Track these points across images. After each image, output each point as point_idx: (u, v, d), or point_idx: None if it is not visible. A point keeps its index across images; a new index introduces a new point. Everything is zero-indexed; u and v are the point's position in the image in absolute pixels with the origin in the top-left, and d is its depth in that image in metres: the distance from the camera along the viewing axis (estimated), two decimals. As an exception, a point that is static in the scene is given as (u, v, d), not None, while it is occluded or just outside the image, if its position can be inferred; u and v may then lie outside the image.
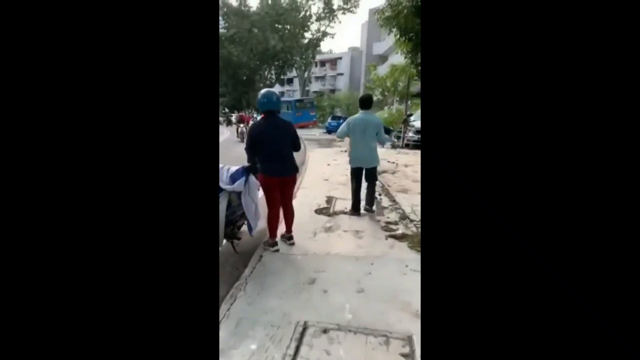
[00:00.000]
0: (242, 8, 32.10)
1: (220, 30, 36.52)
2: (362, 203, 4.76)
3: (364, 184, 4.74)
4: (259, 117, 20.81)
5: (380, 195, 5.65)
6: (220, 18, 35.21)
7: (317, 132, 22.49)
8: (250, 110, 34.71)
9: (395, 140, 14.06)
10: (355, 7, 29.99)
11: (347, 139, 5.13)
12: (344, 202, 5.06)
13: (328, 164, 8.83)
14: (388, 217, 4.56)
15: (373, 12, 33.06)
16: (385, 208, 4.99)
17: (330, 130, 21.68)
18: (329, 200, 5.36)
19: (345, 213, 4.68)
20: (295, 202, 4.13)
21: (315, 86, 43.90)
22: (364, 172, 4.67)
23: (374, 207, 4.81)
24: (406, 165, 8.62)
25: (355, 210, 4.72)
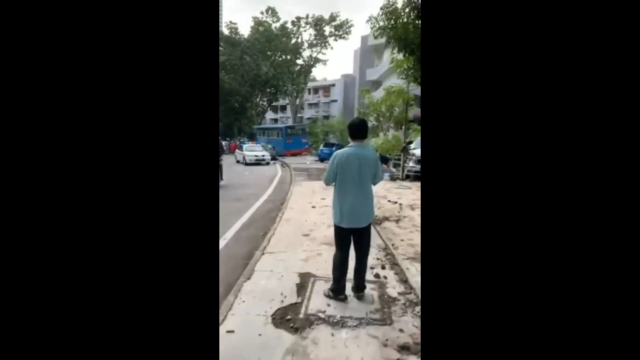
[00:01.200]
0: (234, 36, 31.27)
1: (211, 58, 35.67)
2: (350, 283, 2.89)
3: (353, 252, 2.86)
4: (245, 144, 19.07)
5: (383, 267, 3.65)
6: (211, 46, 34.38)
7: (309, 160, 20.69)
8: (241, 137, 33.17)
9: (394, 170, 12.22)
10: (347, 33, 29.28)
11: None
12: (326, 284, 3.04)
13: (313, 206, 6.85)
14: (399, 326, 2.46)
15: (365, 38, 32.49)
16: (394, 300, 2.87)
17: (322, 158, 19.89)
18: (303, 283, 3.22)
19: (324, 320, 2.56)
20: (243, 293, 2.92)
21: (308, 113, 42.85)
22: (352, 234, 2.77)
23: (366, 291, 2.92)
24: (412, 207, 6.66)
25: (337, 293, 2.82)
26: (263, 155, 18.09)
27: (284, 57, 31.04)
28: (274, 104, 41.76)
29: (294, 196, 8.09)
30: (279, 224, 5.45)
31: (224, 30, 31.74)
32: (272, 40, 29.61)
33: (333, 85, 43.04)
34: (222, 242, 4.66)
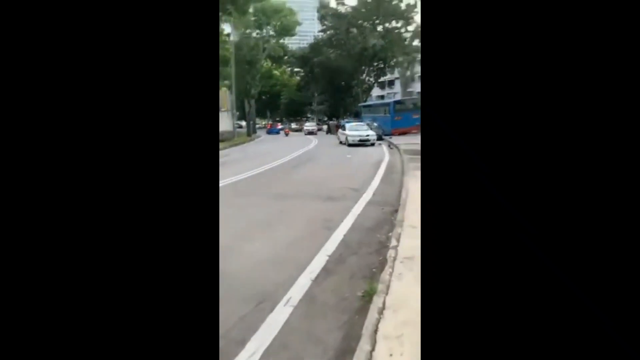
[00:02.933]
0: (339, 8, 28.64)
1: (318, 34, 34.12)
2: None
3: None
4: (349, 123, 16.66)
5: None
6: (317, 21, 32.70)
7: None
8: (347, 116, 31.04)
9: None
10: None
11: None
12: None
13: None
14: None
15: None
16: None
17: (439, 138, 16.03)
18: None
19: None
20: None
21: (419, 86, 37.64)
22: None
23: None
24: None
25: None
26: (367, 135, 15.40)
27: (394, 23, 26.95)
28: (381, 79, 38.08)
29: (412, 198, 5.23)
30: (394, 269, 2.79)
31: (332, 2, 29.43)
32: (381, 2, 25.81)
33: (450, 52, 36.55)
34: (284, 313, 2.28)
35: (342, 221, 4.25)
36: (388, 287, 2.52)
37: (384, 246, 3.42)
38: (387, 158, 10.72)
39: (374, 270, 2.93)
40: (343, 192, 5.93)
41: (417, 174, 7.39)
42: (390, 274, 2.71)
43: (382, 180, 7.09)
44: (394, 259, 3.00)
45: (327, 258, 3.18)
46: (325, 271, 2.93)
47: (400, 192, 5.76)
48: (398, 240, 3.41)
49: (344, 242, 3.57)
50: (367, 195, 5.67)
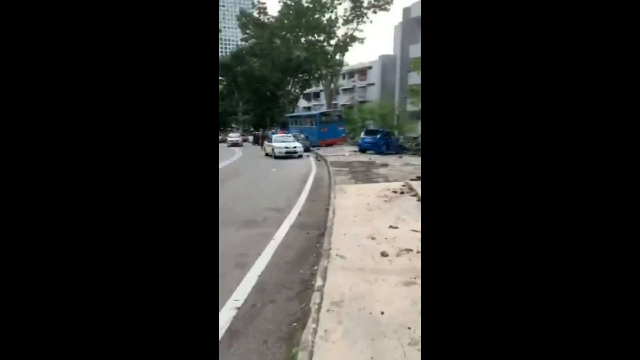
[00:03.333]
0: (261, 17, 28.11)
1: (240, 43, 33.00)
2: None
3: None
4: (274, 134, 16.01)
5: None
6: (239, 29, 31.61)
7: (347, 151, 17.25)
8: (274, 127, 30.36)
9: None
10: (388, 3, 24.94)
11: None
12: None
13: (373, 238, 3.53)
14: None
15: (408, 10, 27.89)
16: None
17: (364, 149, 16.37)
18: None
19: None
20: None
21: (343, 99, 38.97)
22: None
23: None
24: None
25: None
26: (295, 147, 14.94)
27: (316, 36, 27.41)
28: (307, 91, 38.51)
29: (340, 217, 4.78)
30: (319, 322, 2.18)
31: (252, 11, 28.70)
32: (303, 15, 25.99)
33: (370, 67, 38.67)
34: None
35: (259, 254, 3.54)
36: (311, 353, 1.91)
37: (307, 286, 2.82)
38: (314, 171, 10.33)
39: (294, 325, 2.29)
40: (265, 214, 5.22)
41: (345, 188, 7.08)
42: (314, 332, 2.10)
43: (309, 196, 6.58)
44: (319, 306, 2.41)
45: (234, 313, 2.44)
46: (231, 335, 2.19)
47: (327, 210, 5.28)
48: (324, 278, 2.84)
49: (259, 286, 2.86)
50: (291, 217, 5.06)
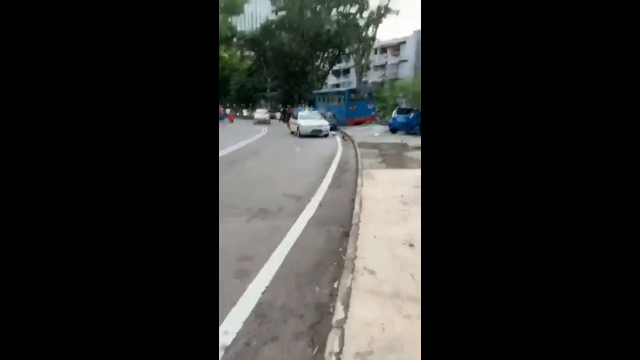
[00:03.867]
0: (292, -14, 26.50)
1: (270, 16, 31.66)
2: None
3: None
4: (301, 111, 15.19)
5: None
6: (270, 2, 30.20)
7: (376, 131, 16.10)
8: (302, 104, 29.40)
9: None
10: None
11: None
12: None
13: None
14: None
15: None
16: None
17: (395, 129, 15.15)
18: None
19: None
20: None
21: (374, 76, 36.95)
22: None
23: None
24: None
25: None
26: (320, 126, 14.02)
27: (349, 7, 25.56)
28: (336, 67, 36.82)
29: (369, 211, 3.97)
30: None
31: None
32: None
33: (404, 42, 36.18)
34: None
35: (267, 259, 2.83)
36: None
37: (323, 316, 2.08)
38: (340, 152, 9.47)
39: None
40: (281, 202, 4.51)
41: (373, 173, 6.20)
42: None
43: (333, 182, 5.78)
44: (339, 346, 1.66)
45: (220, 355, 1.75)
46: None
47: (353, 201, 4.48)
48: (346, 306, 2.09)
49: (259, 310, 2.15)
50: (311, 208, 4.31)
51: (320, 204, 4.47)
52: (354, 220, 3.65)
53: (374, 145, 10.60)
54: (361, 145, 10.77)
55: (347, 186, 5.49)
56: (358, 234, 3.28)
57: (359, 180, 5.57)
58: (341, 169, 7.05)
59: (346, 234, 3.36)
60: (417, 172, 6.26)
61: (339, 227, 3.61)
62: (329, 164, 7.48)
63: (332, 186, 5.48)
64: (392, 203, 4.28)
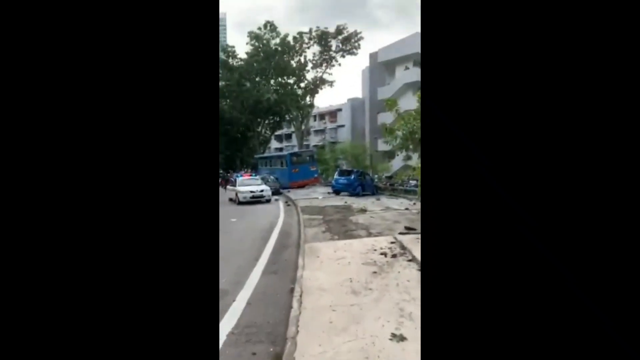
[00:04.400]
0: (230, 60, 27.47)
1: (209, 86, 31.93)
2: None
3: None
4: (239, 177, 14.14)
5: None
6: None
7: (320, 193, 15.70)
8: (244, 169, 28.58)
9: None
10: (355, 48, 25.20)
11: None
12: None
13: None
14: None
15: (374, 55, 28.39)
16: None
17: (338, 190, 14.90)
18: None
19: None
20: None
21: (314, 140, 38.38)
22: None
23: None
24: None
25: None
26: (262, 191, 13.16)
27: (286, 79, 26.96)
28: (278, 132, 37.63)
29: (310, 311, 2.99)
30: None
31: (221, 55, 28.06)
32: (271, 55, 25.53)
33: (340, 110, 38.86)
34: None
35: None
36: None
37: None
38: (281, 221, 8.55)
39: None
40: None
41: (317, 247, 5.32)
42: None
43: (269, 265, 4.74)
44: None
45: None
46: None
47: (292, 292, 3.48)
48: None
49: None
50: (234, 312, 3.18)
51: (249, 303, 3.38)
52: (290, 332, 2.63)
53: (318, 210, 9.93)
54: (305, 210, 10.02)
55: (285, 269, 4.49)
56: (294, 358, 2.26)
57: (300, 259, 4.63)
58: (281, 243, 6.08)
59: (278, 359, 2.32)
60: (365, 242, 5.54)
61: (268, 346, 2.54)
62: (267, 238, 6.46)
63: (267, 271, 4.43)
64: (339, 294, 3.37)
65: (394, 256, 4.59)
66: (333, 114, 39.65)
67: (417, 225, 7.00)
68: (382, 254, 4.74)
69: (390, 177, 20.43)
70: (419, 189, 13.60)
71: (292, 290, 3.59)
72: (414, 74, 25.26)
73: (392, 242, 5.38)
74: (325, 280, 3.75)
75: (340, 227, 7.19)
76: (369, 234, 6.30)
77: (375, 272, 3.97)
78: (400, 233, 5.98)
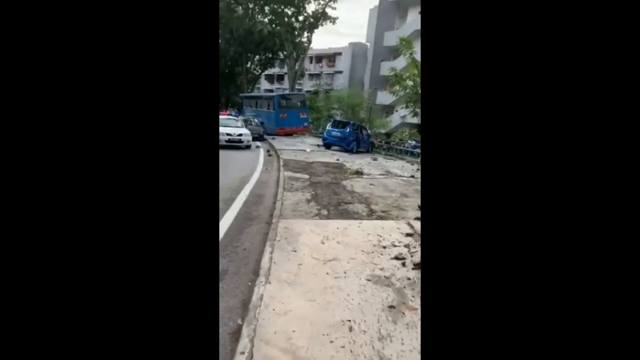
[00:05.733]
0: (221, -22, 22.92)
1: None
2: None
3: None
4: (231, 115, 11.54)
5: None
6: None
7: (309, 145, 13.62)
8: (229, 108, 25.68)
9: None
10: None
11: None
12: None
13: None
14: None
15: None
16: None
17: (329, 143, 12.85)
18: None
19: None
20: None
21: (308, 84, 34.89)
22: None
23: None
24: None
25: None
26: (240, 135, 10.92)
27: (283, 8, 22.97)
28: (270, 72, 33.95)
29: (272, 322, 1.19)
30: None
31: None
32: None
33: (339, 53, 34.97)
34: None
35: None
36: None
37: None
38: (256, 177, 6.59)
39: None
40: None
41: (296, 228, 3.46)
42: None
43: (229, 241, 2.87)
44: None
45: None
46: None
47: (249, 298, 1.66)
48: None
49: None
50: None
51: None
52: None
53: (305, 167, 7.97)
54: (288, 165, 8.05)
55: (236, 276, 2.63)
56: None
57: (266, 258, 2.79)
58: (246, 214, 4.17)
59: None
60: (363, 227, 3.71)
61: None
62: (230, 203, 4.53)
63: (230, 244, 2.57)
64: (317, 297, 1.57)
65: (417, 266, 2.79)
66: (331, 57, 35.82)
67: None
68: (397, 257, 2.94)
69: (388, 135, 18.36)
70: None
71: (248, 297, 1.76)
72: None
73: (407, 234, 3.58)
74: (298, 324, 1.92)
75: (331, 195, 5.32)
76: (371, 213, 4.47)
77: (392, 307, 2.17)
78: (417, 219, 4.15)
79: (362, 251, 3.07)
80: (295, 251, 2.97)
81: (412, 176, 7.98)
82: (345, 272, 2.62)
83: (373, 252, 3.06)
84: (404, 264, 2.83)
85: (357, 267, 2.72)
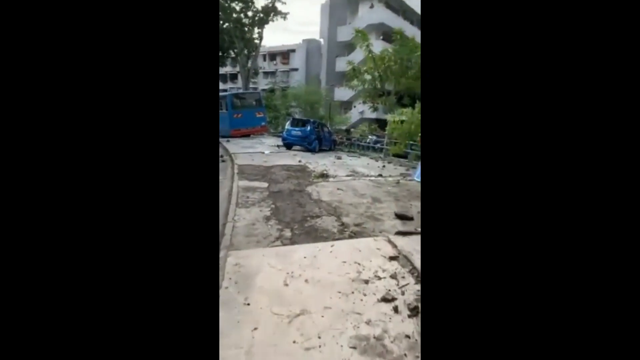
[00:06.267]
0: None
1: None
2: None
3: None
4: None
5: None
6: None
7: (267, 146, 12.63)
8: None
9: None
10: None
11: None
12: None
13: None
14: None
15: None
16: None
17: (289, 144, 11.96)
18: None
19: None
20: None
21: (263, 83, 33.47)
22: None
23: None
24: None
25: None
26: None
27: (230, 2, 21.44)
28: (221, 71, 32.02)
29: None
30: None
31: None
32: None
33: (293, 50, 33.97)
34: None
35: None
36: None
37: None
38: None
39: None
40: None
41: (253, 265, 2.58)
42: None
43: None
44: None
45: None
46: None
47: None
48: None
49: None
50: None
51: None
52: None
53: (262, 173, 7.05)
54: (244, 172, 7.08)
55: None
56: None
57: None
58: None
59: None
60: (341, 255, 2.96)
61: None
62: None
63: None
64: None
65: (413, 311, 2.08)
66: (285, 54, 34.72)
67: (406, 206, 4.62)
68: (385, 299, 2.22)
69: (347, 131, 17.86)
70: (384, 147, 11.24)
71: None
72: (380, 14, 21.75)
73: (390, 257, 2.88)
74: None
75: (295, 207, 4.50)
76: (343, 229, 3.73)
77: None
78: (399, 233, 3.48)
79: (339, 292, 2.30)
80: (249, 304, 2.14)
81: (380, 175, 7.41)
82: (319, 337, 1.84)
83: (353, 293, 2.31)
84: (396, 310, 2.11)
85: (335, 324, 1.95)
